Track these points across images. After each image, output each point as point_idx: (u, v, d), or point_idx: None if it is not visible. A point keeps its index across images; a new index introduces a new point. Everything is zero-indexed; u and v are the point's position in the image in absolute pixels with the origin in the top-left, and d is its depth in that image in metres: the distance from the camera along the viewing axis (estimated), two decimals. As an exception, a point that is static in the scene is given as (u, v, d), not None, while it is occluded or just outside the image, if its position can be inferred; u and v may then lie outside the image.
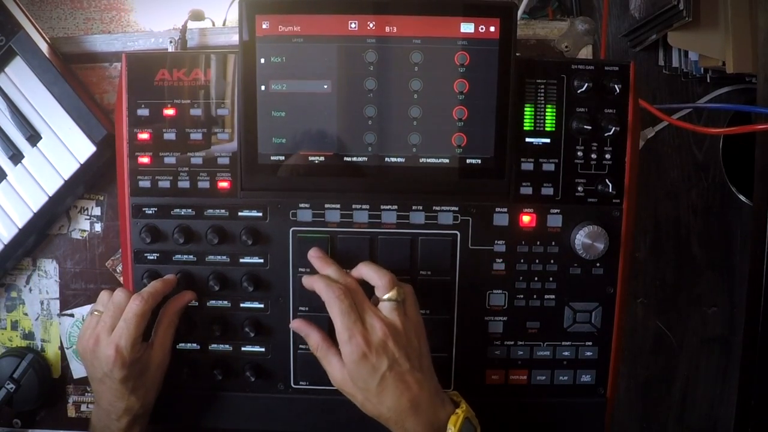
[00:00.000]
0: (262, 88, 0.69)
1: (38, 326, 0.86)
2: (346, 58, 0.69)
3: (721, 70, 1.01)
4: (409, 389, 0.63)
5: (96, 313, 0.70)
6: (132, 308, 0.67)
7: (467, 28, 0.68)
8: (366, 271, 0.67)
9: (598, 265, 0.73)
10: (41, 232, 0.83)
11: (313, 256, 0.71)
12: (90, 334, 0.69)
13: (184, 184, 0.73)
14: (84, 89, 0.83)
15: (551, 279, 0.74)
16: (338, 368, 0.65)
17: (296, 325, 0.70)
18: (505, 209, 0.73)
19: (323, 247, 0.72)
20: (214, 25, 0.90)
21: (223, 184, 0.73)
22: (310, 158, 0.71)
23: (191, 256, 0.73)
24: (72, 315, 0.86)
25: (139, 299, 0.68)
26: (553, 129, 0.72)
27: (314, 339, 0.67)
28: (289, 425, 0.76)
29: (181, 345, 0.75)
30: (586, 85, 0.70)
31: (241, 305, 0.74)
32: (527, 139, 0.72)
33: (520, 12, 0.88)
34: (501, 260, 0.73)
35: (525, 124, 0.72)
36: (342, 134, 0.70)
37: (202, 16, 0.87)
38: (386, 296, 0.65)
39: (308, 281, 0.68)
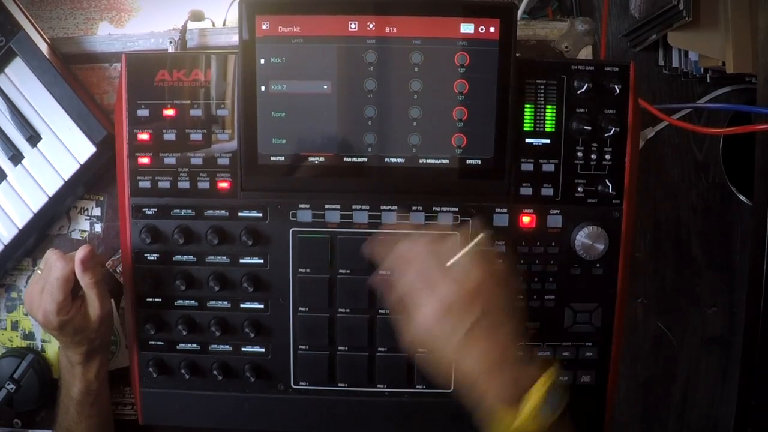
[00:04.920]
0: (262, 88, 0.69)
1: (38, 326, 0.86)
2: (346, 58, 0.69)
3: (721, 70, 1.01)
4: (497, 342, 0.57)
5: (38, 271, 0.71)
6: (53, 272, 0.68)
7: (467, 28, 0.68)
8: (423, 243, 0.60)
9: (598, 265, 0.73)
10: (41, 232, 0.83)
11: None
12: (28, 293, 0.71)
13: (184, 184, 0.73)
14: (84, 89, 0.83)
15: (551, 279, 0.74)
16: (424, 318, 0.58)
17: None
18: (505, 210, 0.73)
19: (323, 248, 0.72)
20: (214, 25, 0.90)
21: (223, 185, 0.73)
22: (310, 159, 0.71)
23: (191, 257, 0.73)
24: (72, 315, 0.85)
25: (60, 262, 0.68)
26: (553, 129, 0.72)
27: (402, 287, 0.60)
28: (289, 425, 0.76)
29: (181, 345, 0.75)
30: (586, 85, 0.70)
31: (241, 305, 0.74)
32: (527, 140, 0.72)
33: (520, 12, 0.88)
34: (501, 260, 0.73)
35: (525, 125, 0.72)
36: (342, 135, 0.70)
37: (202, 16, 0.87)
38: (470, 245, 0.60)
39: (379, 247, 0.63)
